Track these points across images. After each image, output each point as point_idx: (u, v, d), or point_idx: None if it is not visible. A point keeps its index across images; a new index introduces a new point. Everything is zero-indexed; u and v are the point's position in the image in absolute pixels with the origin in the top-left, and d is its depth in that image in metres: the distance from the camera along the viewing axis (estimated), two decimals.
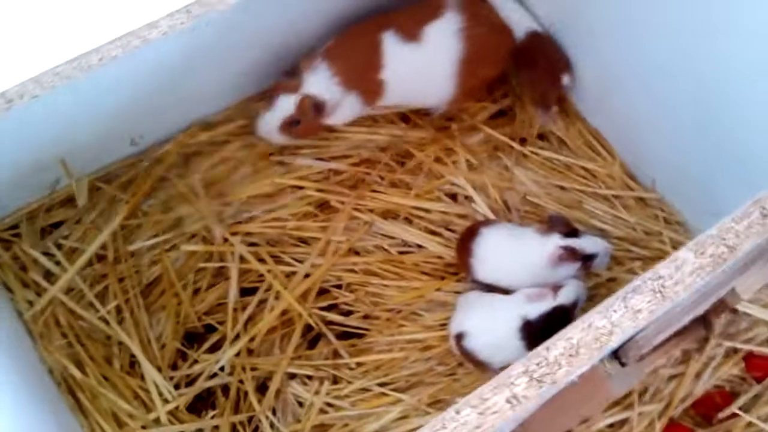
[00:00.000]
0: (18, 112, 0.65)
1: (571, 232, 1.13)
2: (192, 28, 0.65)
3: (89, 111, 0.99)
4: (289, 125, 1.17)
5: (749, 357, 1.21)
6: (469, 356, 1.12)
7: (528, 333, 1.06)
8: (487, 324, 1.10)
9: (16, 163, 1.03)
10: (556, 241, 1.11)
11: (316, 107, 1.15)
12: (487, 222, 1.20)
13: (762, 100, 0.95)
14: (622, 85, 1.20)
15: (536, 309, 1.07)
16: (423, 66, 1.19)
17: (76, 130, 1.04)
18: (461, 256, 1.18)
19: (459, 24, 1.18)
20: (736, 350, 1.21)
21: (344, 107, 1.19)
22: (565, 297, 1.08)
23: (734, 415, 1.18)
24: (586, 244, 1.12)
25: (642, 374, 0.91)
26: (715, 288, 0.72)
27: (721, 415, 1.18)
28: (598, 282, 1.19)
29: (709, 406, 1.19)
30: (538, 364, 0.58)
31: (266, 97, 1.21)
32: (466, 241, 1.17)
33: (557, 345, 0.59)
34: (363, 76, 1.18)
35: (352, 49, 1.17)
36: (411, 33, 1.17)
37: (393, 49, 1.16)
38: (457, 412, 0.57)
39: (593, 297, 1.17)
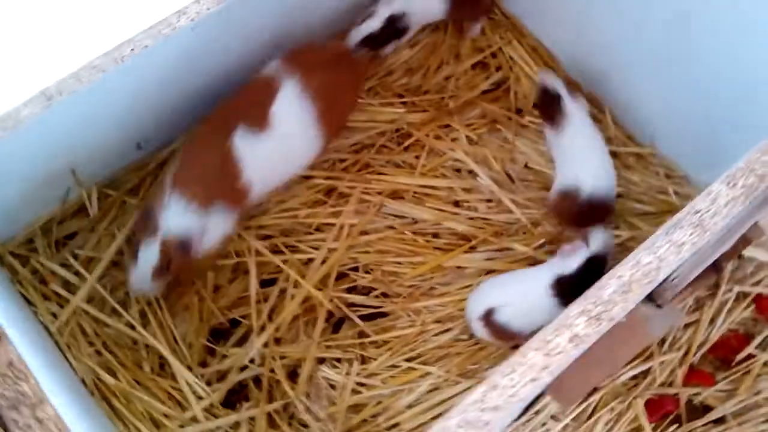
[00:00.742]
0: (26, 125, 0.65)
1: None
2: (197, 24, 0.66)
3: (97, 119, 0.99)
4: (161, 271, 1.05)
5: (759, 299, 1.25)
6: (499, 331, 1.13)
7: (565, 289, 1.08)
8: (520, 292, 1.11)
9: (26, 177, 1.03)
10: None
11: (182, 246, 1.04)
12: None
13: (759, 47, 0.99)
14: (614, 46, 1.23)
15: (572, 263, 1.09)
16: (282, 145, 1.12)
17: (83, 139, 1.04)
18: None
19: (300, 86, 1.12)
20: (745, 294, 1.25)
21: (213, 228, 1.09)
22: (596, 245, 1.10)
23: (751, 356, 1.22)
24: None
25: (679, 318, 0.94)
26: (740, 223, 0.75)
27: (738, 357, 1.22)
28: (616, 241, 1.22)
29: (726, 350, 1.22)
30: (594, 303, 0.61)
31: (130, 244, 1.13)
32: None
33: (609, 284, 0.62)
34: (222, 189, 1.08)
35: (202, 168, 1.07)
36: (258, 122, 1.09)
37: (246, 148, 1.08)
38: (523, 356, 0.59)
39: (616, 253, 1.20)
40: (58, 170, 1.08)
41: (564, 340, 0.59)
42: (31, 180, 1.04)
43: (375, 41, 1.27)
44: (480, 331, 1.15)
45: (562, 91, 1.21)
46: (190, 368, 1.12)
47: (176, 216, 1.04)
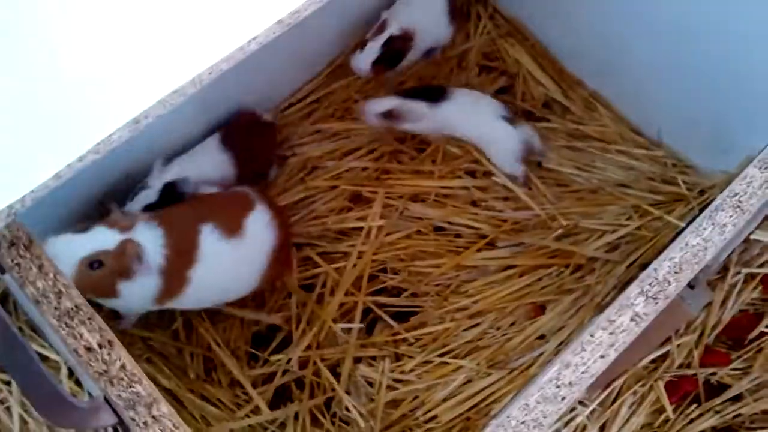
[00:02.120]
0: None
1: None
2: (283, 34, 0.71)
3: (141, 150, 1.04)
4: (91, 265, 0.95)
5: (766, 279, 1.31)
6: None
7: None
8: None
9: (68, 197, 1.06)
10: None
11: (138, 258, 0.97)
12: None
13: (761, 36, 1.05)
14: (620, 42, 1.29)
15: None
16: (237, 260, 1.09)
17: (122, 171, 1.09)
18: None
19: (269, 215, 1.11)
20: (753, 275, 1.31)
21: (141, 285, 1.00)
22: None
23: (763, 334, 1.28)
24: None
25: (710, 296, 1.00)
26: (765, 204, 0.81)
27: (750, 336, 1.28)
28: (629, 231, 1.28)
29: (738, 330, 1.28)
30: (650, 284, 0.66)
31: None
32: None
33: (662, 266, 0.67)
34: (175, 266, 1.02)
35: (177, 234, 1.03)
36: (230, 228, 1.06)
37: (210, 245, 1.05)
38: (592, 335, 0.64)
39: (629, 243, 1.26)
40: (93, 197, 1.11)
41: (626, 319, 0.65)
42: (71, 206, 1.08)
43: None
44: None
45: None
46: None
47: (150, 239, 1.00)
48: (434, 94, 1.28)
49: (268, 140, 1.27)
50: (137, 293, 1.00)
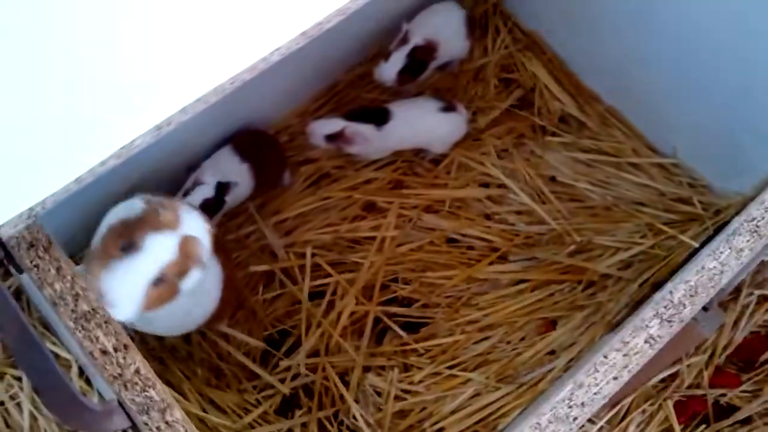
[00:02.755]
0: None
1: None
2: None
3: (162, 150, 1.04)
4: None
5: None
6: None
7: None
8: None
9: (87, 200, 1.07)
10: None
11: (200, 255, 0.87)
12: None
13: None
14: (638, 59, 1.28)
15: None
16: None
17: (146, 170, 1.09)
18: None
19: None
20: (766, 297, 1.31)
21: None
22: None
23: None
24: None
25: (722, 318, 0.99)
26: None
27: (762, 358, 1.27)
28: (643, 249, 1.28)
29: (750, 352, 1.28)
30: (665, 307, 0.66)
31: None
32: None
33: (678, 288, 0.67)
34: None
35: None
36: None
37: None
38: (605, 357, 0.64)
39: (642, 261, 1.26)
40: (117, 197, 1.12)
41: (641, 341, 0.65)
42: (90, 206, 1.08)
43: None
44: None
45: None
46: (240, 381, 1.16)
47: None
48: (377, 116, 1.27)
49: (276, 150, 1.28)
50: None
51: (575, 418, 0.62)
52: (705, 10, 1.13)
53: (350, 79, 1.41)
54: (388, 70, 1.28)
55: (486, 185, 1.37)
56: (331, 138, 1.24)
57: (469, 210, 1.34)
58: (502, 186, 1.36)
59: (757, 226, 0.70)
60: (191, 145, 1.16)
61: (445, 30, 1.33)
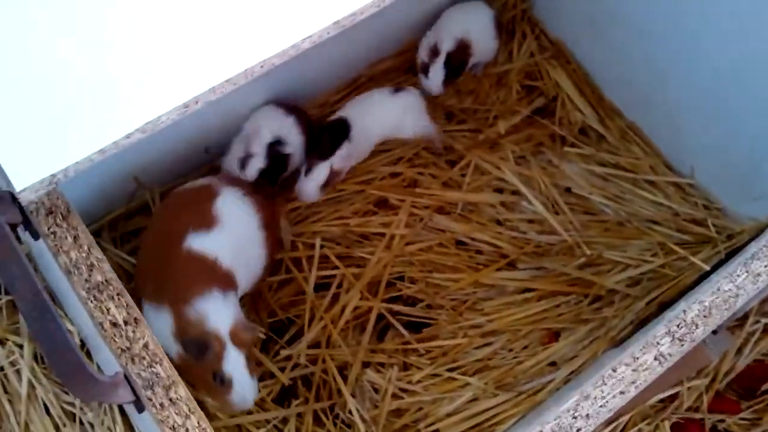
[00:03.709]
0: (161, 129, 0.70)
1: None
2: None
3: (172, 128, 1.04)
4: None
5: None
6: None
7: None
8: None
9: (104, 174, 1.07)
10: None
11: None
12: None
13: None
14: (662, 77, 1.28)
15: None
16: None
17: (159, 144, 1.09)
18: None
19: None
20: None
21: None
22: None
23: None
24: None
25: (732, 343, 0.99)
26: None
27: (763, 387, 1.27)
28: (652, 268, 1.27)
29: (752, 379, 1.27)
30: (678, 326, 0.66)
31: None
32: None
33: (692, 308, 0.67)
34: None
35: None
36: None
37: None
38: (614, 370, 0.64)
39: (651, 279, 1.25)
40: (133, 172, 1.12)
41: (650, 358, 0.64)
42: (106, 178, 1.09)
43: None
44: None
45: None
46: None
47: None
48: (341, 130, 1.25)
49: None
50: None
51: (579, 430, 0.61)
52: (735, 34, 1.12)
53: (373, 74, 1.41)
54: (434, 83, 1.33)
55: (500, 191, 1.36)
56: (324, 185, 1.24)
57: (481, 214, 1.34)
58: (516, 193, 1.36)
59: None
60: (213, 125, 1.15)
61: (474, 29, 1.34)
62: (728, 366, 1.26)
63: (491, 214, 1.34)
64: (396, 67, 1.43)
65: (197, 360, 0.89)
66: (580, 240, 1.31)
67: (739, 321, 1.29)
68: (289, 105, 1.26)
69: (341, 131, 1.25)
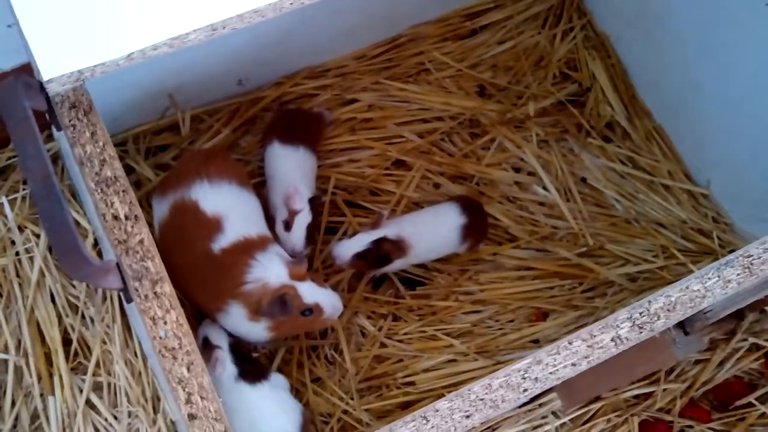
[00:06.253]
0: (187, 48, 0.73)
1: None
2: None
3: (206, 52, 1.07)
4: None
5: None
6: None
7: None
8: None
9: (136, 86, 1.11)
10: None
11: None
12: None
13: None
14: (695, 87, 1.29)
15: None
16: None
17: (192, 67, 1.13)
18: None
19: None
20: (759, 347, 1.31)
21: None
22: None
23: (750, 405, 1.28)
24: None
25: (702, 346, 1.01)
26: None
27: (738, 402, 1.28)
28: (651, 268, 1.29)
29: (728, 394, 1.29)
30: (641, 314, 0.69)
31: None
32: None
33: (657, 300, 0.70)
34: None
35: None
36: None
37: None
38: (570, 343, 0.67)
39: (647, 279, 1.27)
40: (164, 89, 1.16)
41: (607, 338, 0.68)
42: (138, 91, 1.13)
43: None
44: None
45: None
46: None
47: None
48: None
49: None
50: None
51: (525, 390, 0.65)
52: None
53: (413, 36, 1.43)
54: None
55: (517, 170, 1.39)
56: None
57: (494, 189, 1.36)
58: (532, 174, 1.38)
59: (752, 264, 0.72)
60: (247, 58, 1.19)
61: None
62: (707, 376, 1.28)
63: (504, 191, 1.36)
64: (436, 33, 1.44)
65: (287, 314, 1.01)
66: (585, 230, 1.33)
67: (726, 336, 1.31)
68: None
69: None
